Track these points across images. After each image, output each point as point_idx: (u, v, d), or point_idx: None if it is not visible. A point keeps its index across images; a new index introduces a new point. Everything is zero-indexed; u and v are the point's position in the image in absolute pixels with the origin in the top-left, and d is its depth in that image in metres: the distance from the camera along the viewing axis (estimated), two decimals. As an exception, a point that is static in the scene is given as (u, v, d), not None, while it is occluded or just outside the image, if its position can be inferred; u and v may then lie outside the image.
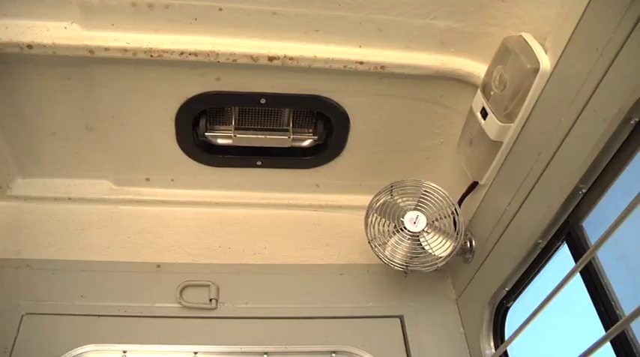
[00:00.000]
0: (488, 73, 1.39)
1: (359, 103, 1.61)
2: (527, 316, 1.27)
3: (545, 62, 1.24)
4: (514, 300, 1.44)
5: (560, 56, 1.20)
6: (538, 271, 1.34)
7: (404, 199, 1.55)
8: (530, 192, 1.32)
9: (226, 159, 1.74)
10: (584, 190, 1.17)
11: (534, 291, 1.37)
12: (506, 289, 1.43)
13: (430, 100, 1.61)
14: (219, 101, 1.58)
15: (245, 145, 1.70)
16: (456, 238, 1.49)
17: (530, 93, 1.28)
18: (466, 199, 1.58)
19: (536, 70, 1.24)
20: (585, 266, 1.16)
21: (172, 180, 1.79)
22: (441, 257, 1.49)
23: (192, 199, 1.81)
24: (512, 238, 1.39)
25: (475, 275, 1.57)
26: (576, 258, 1.20)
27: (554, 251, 1.29)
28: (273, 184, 1.82)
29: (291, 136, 1.69)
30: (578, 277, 1.17)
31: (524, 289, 1.40)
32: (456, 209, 1.51)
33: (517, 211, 1.36)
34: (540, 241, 1.30)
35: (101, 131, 1.63)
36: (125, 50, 1.39)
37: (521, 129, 1.34)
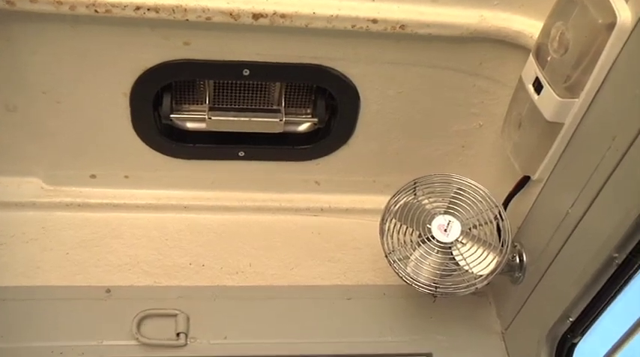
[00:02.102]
0: (545, 32, 1.37)
1: (371, 75, 1.60)
2: (601, 356, 1.24)
3: (625, 15, 1.19)
4: (582, 334, 1.42)
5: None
6: (614, 296, 1.32)
7: (431, 199, 1.54)
8: (601, 189, 1.29)
9: (198, 149, 1.74)
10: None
11: (610, 322, 1.36)
12: (571, 319, 1.41)
13: (465, 70, 1.60)
14: (189, 73, 1.57)
15: (223, 130, 1.69)
16: (501, 251, 1.48)
17: (602, 57, 1.24)
18: (514, 199, 1.57)
19: (612, 25, 1.20)
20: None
21: (126, 177, 1.78)
22: (480, 276, 1.47)
23: (153, 202, 1.81)
24: (578, 250, 1.37)
25: (527, 300, 1.55)
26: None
27: (637, 269, 1.26)
28: (260, 181, 1.82)
29: (284, 119, 1.68)
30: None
31: (595, 319, 1.38)
32: (500, 213, 1.50)
33: (583, 215, 1.34)
34: (616, 255, 1.27)
35: (28, 112, 1.61)
36: (59, 3, 1.35)
37: (589, 106, 1.32)
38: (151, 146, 1.70)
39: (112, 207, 1.78)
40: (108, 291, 1.64)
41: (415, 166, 1.74)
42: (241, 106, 1.69)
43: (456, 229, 1.49)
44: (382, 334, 1.66)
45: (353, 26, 1.44)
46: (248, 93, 1.68)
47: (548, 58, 1.34)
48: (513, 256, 1.56)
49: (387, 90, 1.62)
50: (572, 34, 1.28)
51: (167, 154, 1.72)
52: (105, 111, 1.61)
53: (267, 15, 1.41)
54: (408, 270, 1.49)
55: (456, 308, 1.70)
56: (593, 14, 1.22)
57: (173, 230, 1.78)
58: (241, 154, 1.74)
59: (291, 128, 1.73)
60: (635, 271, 1.27)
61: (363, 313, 1.69)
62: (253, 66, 1.53)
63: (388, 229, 1.53)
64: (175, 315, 1.61)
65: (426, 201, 1.53)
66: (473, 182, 1.53)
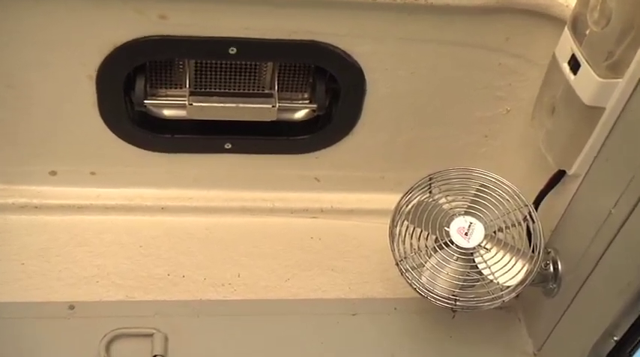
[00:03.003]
0: (582, 0, 1.35)
1: (379, 53, 1.59)
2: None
3: (679, -21, 1.19)
4: (630, 355, 1.40)
5: None
6: (666, 310, 1.31)
7: (450, 198, 1.53)
8: (649, 186, 1.29)
9: (177, 140, 1.73)
10: None
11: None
12: (615, 338, 1.39)
13: (489, 47, 1.60)
14: (166, 51, 1.56)
15: (206, 118, 1.69)
16: (532, 258, 1.46)
17: (652, 29, 1.24)
18: (546, 197, 1.55)
19: (663, -8, 1.20)
20: None
21: (93, 173, 1.77)
22: (508, 287, 1.46)
23: (124, 203, 1.80)
24: (622, 257, 1.35)
25: (563, 316, 1.53)
26: None
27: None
28: (250, 177, 1.82)
29: (277, 105, 1.67)
30: None
31: (644, 337, 1.37)
32: (530, 213, 1.48)
33: (628, 216, 1.32)
34: (668, 262, 1.26)
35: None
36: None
37: (635, 88, 1.30)
38: (122, 137, 1.69)
39: (75, 209, 1.77)
40: (71, 307, 1.62)
41: (430, 160, 1.73)
42: (227, 91, 1.69)
43: (478, 233, 1.48)
44: (393, 355, 1.65)
45: (358, -4, 1.45)
46: (235, 75, 1.68)
47: (587, 32, 1.33)
48: (546, 264, 1.55)
49: (398, 70, 1.62)
50: (616, 3, 1.25)
51: (140, 147, 1.71)
52: (67, 96, 1.60)
53: (257, -18, 1.41)
54: (423, 280, 1.48)
55: (479, 325, 1.69)
56: (641, -22, 1.21)
57: (148, 236, 1.77)
58: (228, 146, 1.73)
59: (285, 116, 1.73)
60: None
61: (371, 330, 1.68)
62: (241, 43, 1.53)
63: (399, 233, 1.52)
64: (151, 335, 1.59)
65: (444, 200, 1.53)
66: (498, 177, 1.51)
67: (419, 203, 1.52)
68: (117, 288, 1.67)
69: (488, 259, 1.46)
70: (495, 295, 1.45)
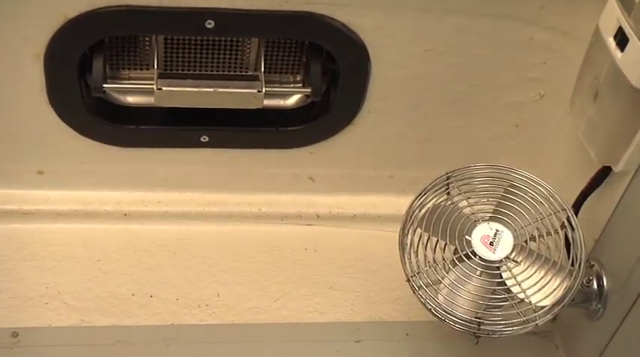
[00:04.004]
0: None
1: (387, 27, 1.59)
2: None
3: None
4: None
5: None
6: None
7: (472, 201, 1.51)
8: None
9: (143, 132, 1.73)
10: None
11: None
12: None
13: (520, 18, 1.60)
14: (129, 25, 1.56)
15: (178, 106, 1.68)
16: (571, 273, 1.44)
17: None
18: (588, 200, 1.55)
19: None
20: None
21: (40, 172, 1.76)
22: (542, 308, 1.43)
23: (79, 208, 1.79)
24: None
25: (610, 343, 1.52)
26: None
27: None
28: (232, 177, 1.83)
29: (263, 90, 1.66)
30: None
31: None
32: (569, 219, 1.46)
33: None
34: None
35: None
36: None
37: None
38: (76, 129, 1.68)
39: (19, 215, 1.77)
40: (15, 335, 1.60)
41: (449, 155, 1.75)
42: (203, 72, 1.70)
43: (506, 243, 1.45)
44: (405, 389, 1.66)
45: (361, -47, 1.47)
46: (213, 54, 1.68)
47: (637, 0, 1.30)
48: (589, 280, 1.53)
49: (410, 47, 1.61)
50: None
51: (99, 140, 1.70)
52: (8, 80, 1.59)
53: (238, -59, 1.43)
54: (440, 299, 1.45)
55: (508, 353, 1.68)
56: None
57: (109, 247, 1.76)
58: (204, 139, 1.73)
59: (274, 102, 1.73)
60: None
61: (377, 361, 1.71)
62: (220, 15, 1.52)
63: (411, 243, 1.49)
64: (114, 366, 1.59)
65: (465, 203, 1.50)
66: (531, 176, 1.48)
67: (435, 207, 1.50)
68: (70, 311, 1.65)
69: (519, 274, 1.44)
70: (527, 318, 1.42)
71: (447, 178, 1.51)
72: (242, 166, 1.80)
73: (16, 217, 1.76)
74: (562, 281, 1.43)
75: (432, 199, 1.51)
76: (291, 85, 1.74)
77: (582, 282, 1.46)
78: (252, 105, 1.67)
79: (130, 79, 1.69)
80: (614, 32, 1.37)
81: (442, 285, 1.46)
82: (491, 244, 1.45)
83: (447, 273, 1.46)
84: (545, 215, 1.46)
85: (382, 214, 1.85)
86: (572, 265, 1.43)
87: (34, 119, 1.65)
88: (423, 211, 1.50)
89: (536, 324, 1.43)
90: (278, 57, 1.71)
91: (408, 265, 1.49)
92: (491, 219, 1.48)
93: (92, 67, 1.61)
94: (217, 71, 1.70)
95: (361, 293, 1.75)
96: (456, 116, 1.75)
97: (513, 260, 1.45)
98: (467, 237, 1.46)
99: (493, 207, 1.49)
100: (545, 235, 1.46)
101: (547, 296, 1.43)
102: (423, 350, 1.69)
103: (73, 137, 1.68)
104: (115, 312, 1.66)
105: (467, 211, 1.49)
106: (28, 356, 1.59)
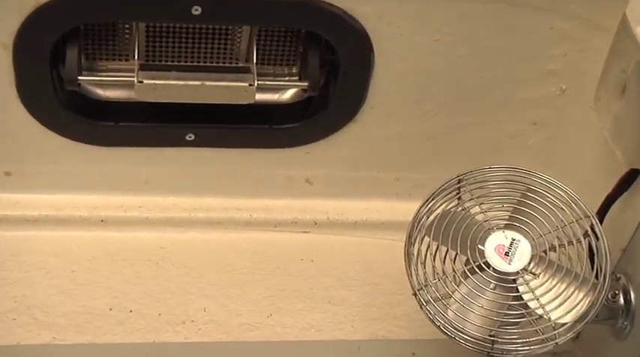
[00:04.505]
0: None
1: (392, 14, 1.60)
2: None
3: None
4: None
5: None
6: None
7: (485, 207, 1.51)
8: None
9: (122, 130, 1.74)
10: None
11: None
12: None
13: (539, 4, 1.61)
14: (106, 11, 1.56)
15: (161, 100, 1.68)
16: (595, 287, 1.43)
17: None
18: (615, 205, 1.56)
19: None
20: None
21: (8, 174, 1.77)
22: (563, 325, 1.43)
23: (51, 213, 1.80)
24: None
25: None
26: None
27: None
28: (220, 179, 1.84)
29: (255, 83, 1.67)
30: None
31: None
32: (593, 227, 1.46)
33: None
34: None
35: None
36: None
37: None
38: (48, 126, 1.68)
39: None
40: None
41: (460, 156, 1.78)
42: (189, 64, 1.70)
43: (523, 253, 1.45)
44: (411, 416, 1.65)
45: None
46: (200, 43, 1.69)
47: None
48: (615, 295, 1.53)
49: (417, 37, 1.62)
50: None
51: (73, 138, 1.71)
52: None
53: None
54: (450, 315, 1.44)
55: None
56: None
57: (84, 257, 1.76)
58: (190, 137, 1.73)
59: (267, 97, 1.74)
60: None
61: (380, 383, 1.68)
62: (208, 1, 1.53)
63: (418, 253, 1.48)
64: (88, 390, 1.58)
65: (477, 209, 1.49)
66: (550, 179, 1.48)
67: (444, 213, 1.50)
68: (40, 327, 1.65)
69: (537, 288, 1.44)
70: (546, 336, 1.42)
71: (459, 182, 1.51)
72: (231, 168, 1.80)
73: (-26, 224, 1.75)
74: (585, 296, 1.43)
75: (441, 204, 1.51)
76: (286, 78, 1.75)
77: (607, 296, 1.47)
78: (243, 100, 1.67)
79: (107, 70, 1.69)
80: (644, 20, 1.40)
81: (452, 299, 1.46)
82: (506, 254, 1.45)
83: (458, 286, 1.46)
84: (566, 222, 1.45)
85: (386, 220, 1.86)
86: (597, 277, 1.43)
87: (1, 115, 1.65)
88: (432, 217, 1.50)
89: (556, 343, 1.42)
90: (272, 47, 1.72)
91: (414, 277, 1.48)
92: (506, 227, 1.47)
93: (66, 58, 1.61)
94: (204, 63, 1.71)
95: (362, 308, 1.76)
96: (467, 113, 1.76)
97: (531, 272, 1.44)
98: (480, 246, 1.46)
99: (509, 213, 1.49)
100: (566, 244, 1.45)
101: (568, 312, 1.42)
102: (432, 370, 1.70)
103: (44, 135, 1.68)
104: (91, 328, 1.66)
105: (480, 217, 1.49)
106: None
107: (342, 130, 1.75)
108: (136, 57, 1.65)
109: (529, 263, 1.44)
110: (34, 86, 1.62)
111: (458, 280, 1.47)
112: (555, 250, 1.47)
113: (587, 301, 1.42)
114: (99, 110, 1.70)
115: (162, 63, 1.69)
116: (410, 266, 1.49)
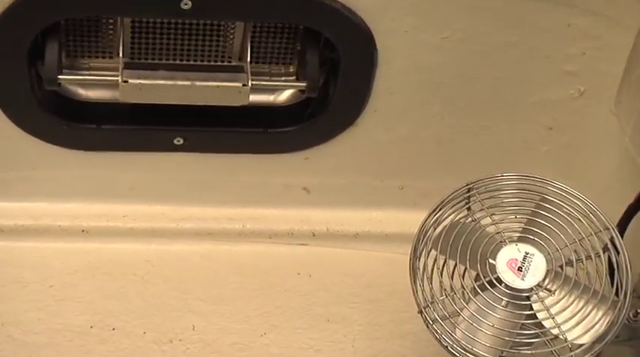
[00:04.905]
0: None
1: (396, 9, 1.60)
2: None
3: None
4: None
5: None
6: None
7: (496, 218, 1.51)
8: None
9: (106, 133, 1.74)
10: None
11: None
12: None
13: (556, 1, 1.61)
14: (89, 4, 1.56)
15: (148, 101, 1.68)
16: (615, 304, 1.43)
17: None
18: (636, 217, 1.54)
19: None
20: None
21: None
22: (580, 346, 1.42)
23: (28, 223, 1.81)
24: None
25: None
26: None
27: None
28: (211, 187, 1.85)
29: (249, 83, 1.67)
30: None
31: None
32: (613, 240, 1.45)
33: None
34: None
35: None
36: None
37: None
38: (26, 129, 1.68)
39: None
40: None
41: (469, 163, 1.79)
42: (178, 62, 1.70)
43: (537, 268, 1.44)
44: None
45: None
46: (190, 40, 1.69)
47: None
48: (637, 313, 1.51)
49: (423, 34, 1.62)
50: None
51: (53, 142, 1.71)
52: None
53: None
54: (458, 335, 1.44)
55: None
56: None
57: (63, 270, 1.76)
58: (178, 141, 1.73)
59: (262, 98, 1.75)
60: None
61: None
62: None
63: (425, 268, 1.49)
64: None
65: (488, 220, 1.49)
66: (567, 188, 1.47)
67: (453, 225, 1.49)
68: (16, 346, 1.65)
69: (552, 306, 1.44)
70: (563, 359, 1.45)
71: (468, 191, 1.50)
72: (223, 174, 1.81)
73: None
74: (604, 314, 1.42)
75: (449, 214, 1.50)
76: (283, 78, 1.75)
77: (628, 315, 1.46)
78: (236, 101, 1.67)
79: (90, 69, 1.69)
80: (669, 17, 1.40)
81: (461, 318, 1.45)
82: (519, 269, 1.45)
83: (467, 303, 1.45)
84: (584, 235, 1.45)
85: (390, 232, 1.87)
86: (617, 294, 1.42)
87: (-25, 120, 1.65)
88: (439, 229, 1.50)
89: (573, 366, 1.45)
90: (267, 44, 1.72)
91: (420, 293, 1.48)
92: (519, 239, 1.47)
93: (45, 55, 1.60)
94: (195, 61, 1.71)
95: (364, 327, 1.76)
96: (477, 116, 1.76)
97: (546, 289, 1.44)
98: (491, 261, 1.45)
99: (522, 225, 1.49)
100: (584, 258, 1.45)
101: (586, 332, 1.42)
102: (439, 394, 1.71)
103: (21, 138, 1.69)
104: (70, 348, 1.66)
105: (491, 229, 1.48)
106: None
107: (342, 134, 1.75)
108: (121, 55, 1.64)
109: (544, 279, 1.44)
110: (11, 86, 1.61)
111: (467, 296, 1.46)
112: (572, 265, 1.46)
113: (607, 321, 1.42)
114: (80, 112, 1.70)
115: (149, 61, 1.68)
116: (415, 282, 1.49)
